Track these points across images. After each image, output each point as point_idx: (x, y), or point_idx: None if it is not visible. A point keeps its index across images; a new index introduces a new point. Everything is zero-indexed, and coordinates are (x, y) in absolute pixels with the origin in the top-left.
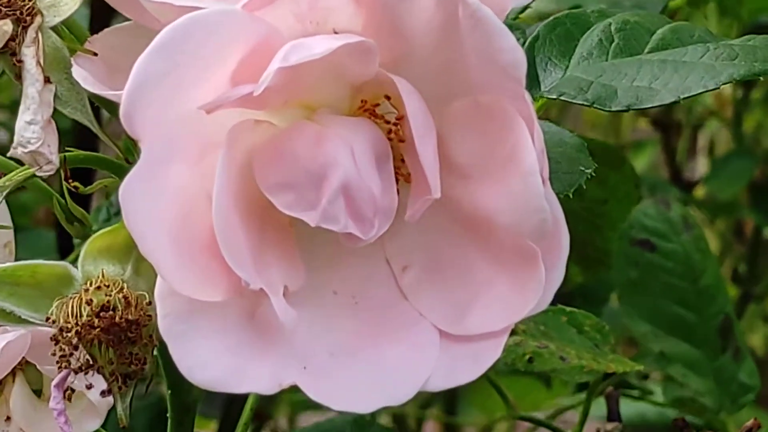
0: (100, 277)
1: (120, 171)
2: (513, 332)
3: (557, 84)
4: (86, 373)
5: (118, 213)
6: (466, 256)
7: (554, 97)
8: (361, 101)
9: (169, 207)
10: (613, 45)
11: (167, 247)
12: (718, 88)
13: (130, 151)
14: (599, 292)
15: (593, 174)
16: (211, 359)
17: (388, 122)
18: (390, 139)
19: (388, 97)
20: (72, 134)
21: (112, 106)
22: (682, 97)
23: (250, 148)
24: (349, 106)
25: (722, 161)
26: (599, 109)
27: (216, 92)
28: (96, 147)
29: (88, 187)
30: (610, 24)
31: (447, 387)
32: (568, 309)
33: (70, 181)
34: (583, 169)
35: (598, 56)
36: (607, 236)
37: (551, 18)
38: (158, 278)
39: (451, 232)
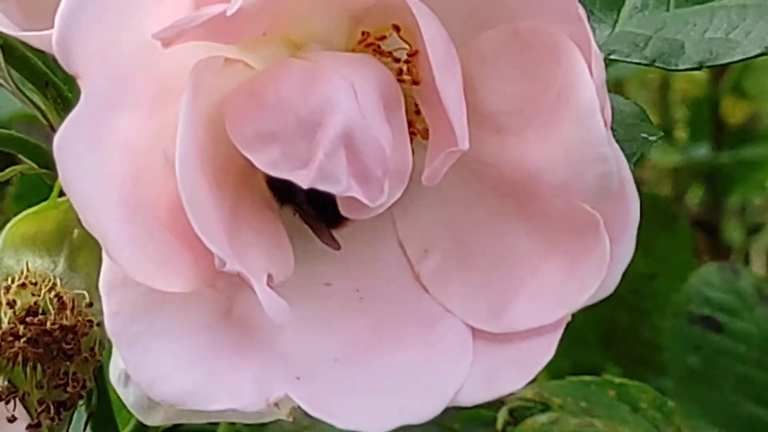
0: (25, 272)
1: (39, 155)
2: (546, 407)
3: (605, 42)
4: (7, 402)
5: None
6: (504, 233)
7: (602, 57)
8: (362, 34)
9: (119, 164)
10: None
11: (118, 216)
12: None
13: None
14: None
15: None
16: (177, 368)
17: (397, 60)
18: (401, 82)
19: (396, 28)
20: None
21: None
22: None
23: (219, 95)
24: (346, 40)
25: None
26: (662, 68)
27: (176, 16)
28: None
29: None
30: None
31: (486, 399)
32: (617, 380)
33: None
34: (646, 136)
35: (655, 6)
36: (657, 325)
37: None
38: (104, 266)
39: (482, 202)
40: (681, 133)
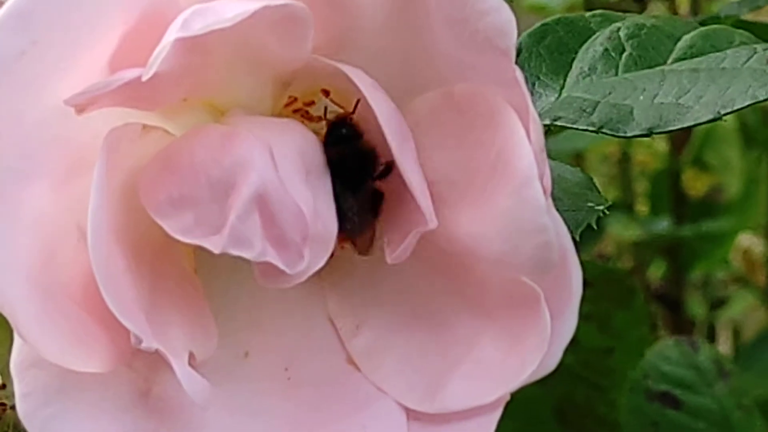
0: None
1: None
2: None
3: (551, 108)
4: None
5: None
6: (439, 308)
7: (547, 123)
8: (289, 98)
9: (29, 240)
10: (625, 56)
11: (27, 294)
12: None
13: None
14: None
15: (592, 313)
16: None
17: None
18: None
19: (326, 93)
20: None
21: None
22: (723, 112)
23: (136, 164)
24: (272, 105)
25: (754, 347)
26: (610, 135)
27: (90, 81)
28: None
29: None
30: (618, 30)
31: None
32: None
33: None
34: (592, 205)
35: (603, 71)
36: (613, 401)
37: (537, 25)
38: (15, 345)
39: (416, 276)
40: (642, 207)
